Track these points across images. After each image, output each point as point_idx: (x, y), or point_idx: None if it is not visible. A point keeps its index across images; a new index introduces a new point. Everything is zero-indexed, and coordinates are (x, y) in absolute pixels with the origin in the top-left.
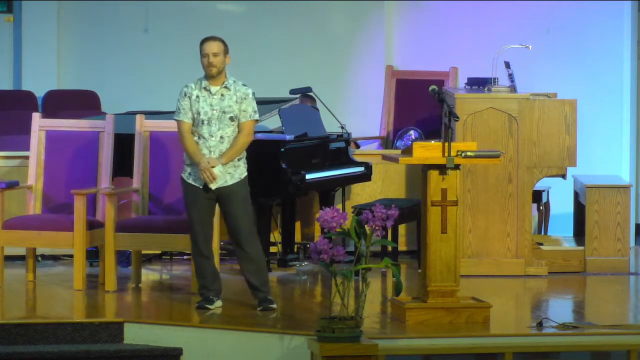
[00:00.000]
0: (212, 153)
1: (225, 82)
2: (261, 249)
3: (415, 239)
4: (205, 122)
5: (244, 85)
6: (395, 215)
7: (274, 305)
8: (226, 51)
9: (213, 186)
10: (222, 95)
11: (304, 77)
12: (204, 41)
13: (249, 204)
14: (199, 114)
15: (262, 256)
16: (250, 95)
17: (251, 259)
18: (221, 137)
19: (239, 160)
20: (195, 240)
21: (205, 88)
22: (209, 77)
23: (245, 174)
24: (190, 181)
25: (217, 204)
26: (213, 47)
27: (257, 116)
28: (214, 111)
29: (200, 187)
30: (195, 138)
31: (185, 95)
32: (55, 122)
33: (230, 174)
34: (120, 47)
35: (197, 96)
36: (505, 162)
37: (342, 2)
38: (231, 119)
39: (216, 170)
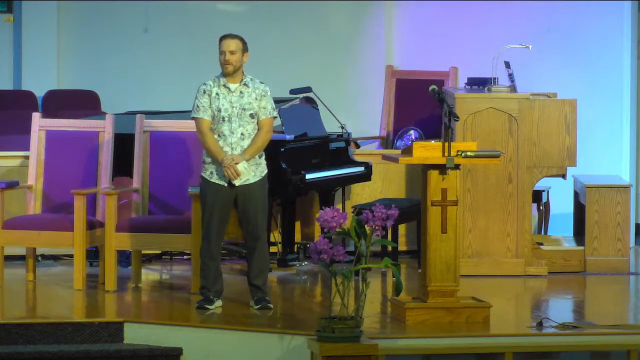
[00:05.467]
0: (234, 150)
1: (244, 80)
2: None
3: (415, 239)
4: (226, 119)
5: (261, 82)
6: (395, 215)
7: (271, 305)
8: (244, 49)
9: (237, 182)
10: (241, 92)
11: (304, 77)
12: (222, 38)
13: (266, 203)
14: (219, 111)
15: (269, 257)
16: (269, 93)
17: (261, 258)
18: (242, 134)
19: (260, 157)
20: (208, 240)
21: (224, 85)
22: (225, 74)
23: (266, 171)
24: (213, 180)
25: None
26: (230, 45)
27: (275, 113)
28: (234, 108)
29: (225, 184)
30: (215, 136)
31: (205, 92)
32: (55, 122)
33: (252, 172)
34: (120, 47)
35: (217, 93)
36: (505, 162)
37: (342, 2)
38: (251, 115)
39: (240, 167)
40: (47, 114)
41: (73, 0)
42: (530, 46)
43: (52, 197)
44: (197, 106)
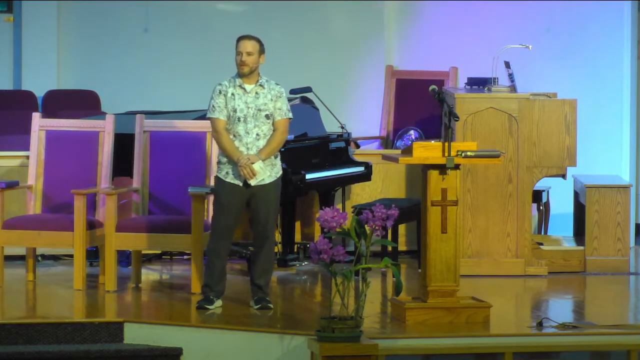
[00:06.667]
0: (249, 150)
1: (260, 81)
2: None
3: (415, 239)
4: (242, 119)
5: (277, 84)
6: (395, 215)
7: (272, 305)
8: (261, 51)
9: (253, 182)
10: (256, 93)
11: (304, 77)
12: (239, 39)
13: (278, 205)
14: (235, 111)
15: (274, 259)
16: (284, 94)
17: (267, 259)
18: (257, 135)
19: (275, 158)
20: (217, 239)
21: (240, 86)
22: (241, 75)
23: (281, 172)
24: (228, 180)
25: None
26: (247, 46)
27: (290, 114)
28: (250, 109)
29: (241, 184)
30: (231, 136)
31: (220, 92)
32: (55, 122)
33: (268, 172)
34: (120, 47)
35: (233, 94)
36: (505, 162)
37: (342, 2)
38: (267, 116)
39: (256, 167)
40: (47, 114)
41: (73, 0)
42: (530, 46)
43: (52, 197)
44: (213, 106)
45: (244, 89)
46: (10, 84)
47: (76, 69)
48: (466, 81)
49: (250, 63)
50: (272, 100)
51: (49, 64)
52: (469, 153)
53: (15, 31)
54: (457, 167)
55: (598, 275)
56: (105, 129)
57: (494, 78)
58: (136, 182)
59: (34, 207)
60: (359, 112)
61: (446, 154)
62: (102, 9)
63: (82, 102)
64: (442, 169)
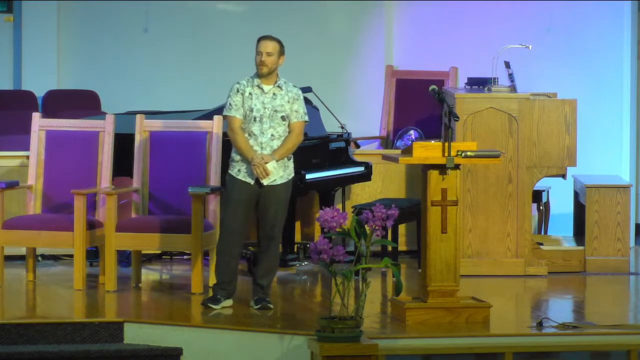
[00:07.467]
0: (264, 150)
1: (278, 82)
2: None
3: (415, 239)
4: (257, 119)
5: (294, 86)
6: (395, 215)
7: (272, 305)
8: (281, 52)
9: (265, 182)
10: (274, 94)
11: (304, 77)
12: (260, 39)
13: (287, 206)
14: (251, 110)
15: (278, 260)
16: (301, 97)
17: (271, 259)
18: (272, 135)
19: (288, 160)
20: (227, 237)
21: (257, 86)
22: (260, 75)
23: (293, 174)
24: (240, 177)
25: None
26: (268, 46)
27: (307, 117)
28: (266, 109)
29: (252, 182)
30: (246, 135)
31: (238, 91)
32: (55, 122)
33: (280, 173)
34: (120, 46)
35: (250, 93)
36: (505, 162)
37: (342, 2)
38: (282, 118)
39: (269, 166)
40: (47, 114)
41: (73, 0)
42: (530, 46)
43: (52, 197)
44: (230, 104)
45: (262, 89)
46: (10, 84)
47: (76, 69)
48: (466, 81)
49: (269, 64)
50: (289, 102)
51: (49, 64)
52: (469, 153)
53: (15, 31)
54: (457, 167)
55: (598, 275)
56: (105, 129)
57: (494, 78)
58: (136, 182)
59: (34, 207)
60: (359, 112)
61: (446, 154)
62: (102, 9)
63: (82, 102)
64: (442, 169)
